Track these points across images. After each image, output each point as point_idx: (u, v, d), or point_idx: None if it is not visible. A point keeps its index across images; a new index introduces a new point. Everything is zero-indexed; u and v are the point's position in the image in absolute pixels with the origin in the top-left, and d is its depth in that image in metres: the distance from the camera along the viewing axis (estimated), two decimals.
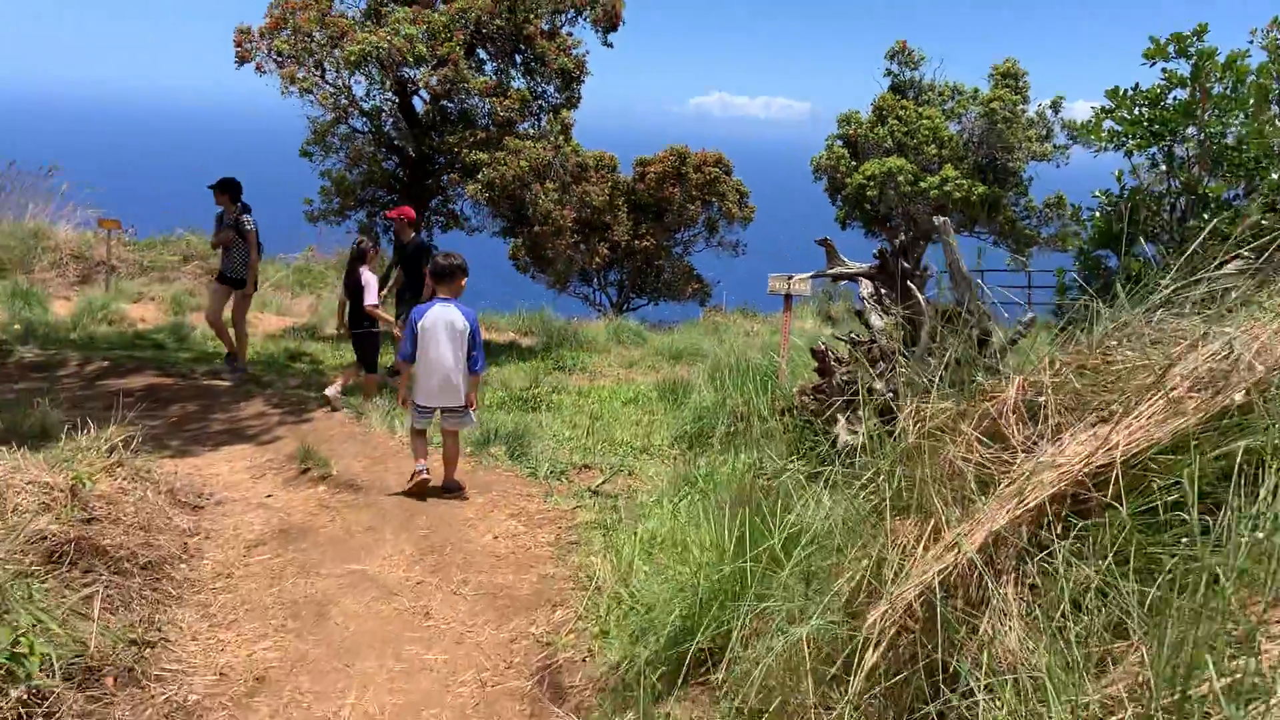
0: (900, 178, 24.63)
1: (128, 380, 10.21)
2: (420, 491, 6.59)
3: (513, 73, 14.18)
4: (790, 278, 8.08)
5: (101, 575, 4.70)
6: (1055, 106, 24.91)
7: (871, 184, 25.11)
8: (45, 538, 4.69)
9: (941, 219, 6.17)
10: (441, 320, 6.65)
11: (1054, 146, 24.79)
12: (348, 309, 10.24)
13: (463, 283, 6.81)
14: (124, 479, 5.91)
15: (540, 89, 14.44)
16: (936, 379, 3.43)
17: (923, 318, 5.88)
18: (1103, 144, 7.58)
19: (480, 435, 8.04)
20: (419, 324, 6.69)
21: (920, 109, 25.53)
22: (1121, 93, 7.59)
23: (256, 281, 11.11)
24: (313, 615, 4.74)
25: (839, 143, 26.43)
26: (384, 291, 10.84)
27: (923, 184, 24.65)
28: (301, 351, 13.08)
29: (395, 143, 14.82)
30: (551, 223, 13.76)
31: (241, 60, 13.92)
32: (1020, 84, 24.85)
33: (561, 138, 13.55)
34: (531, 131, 13.85)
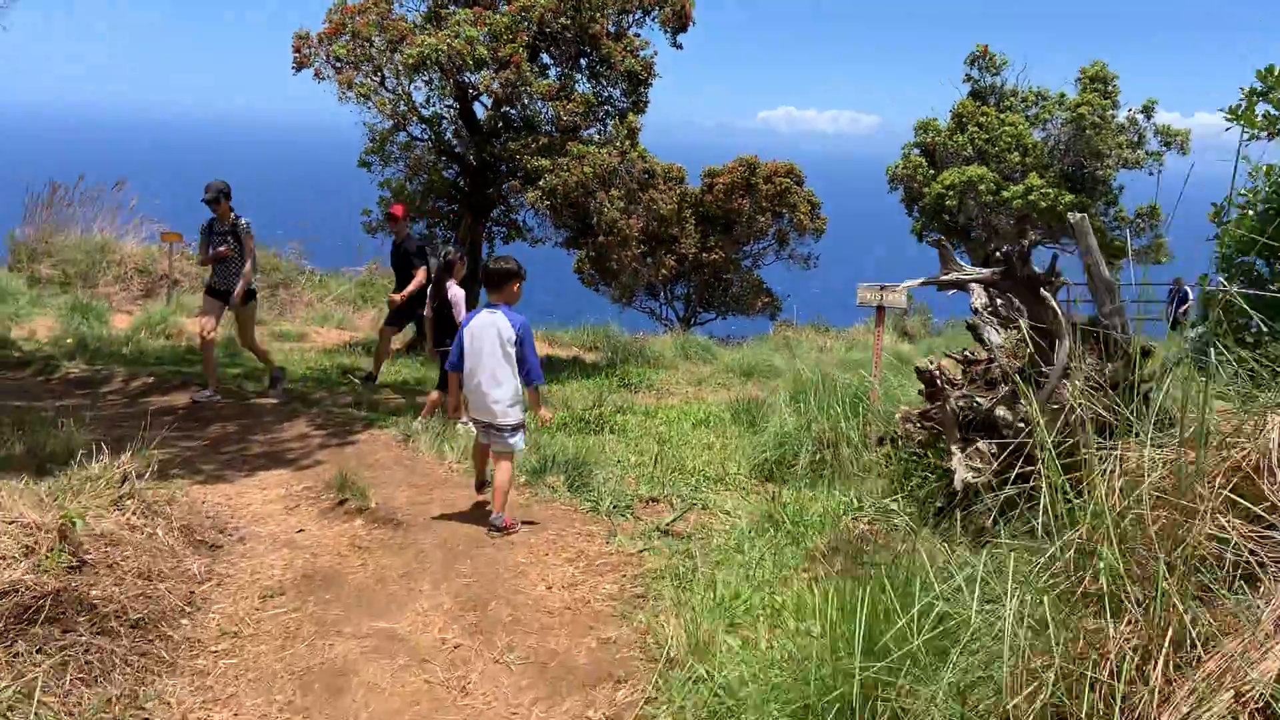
0: (981, 187, 23.38)
1: (170, 398, 9.60)
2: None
3: (577, 76, 13.40)
4: (882, 288, 7.12)
5: (82, 636, 3.94)
6: (1147, 111, 23.46)
7: (951, 194, 23.91)
8: (18, 590, 3.95)
9: (1078, 216, 5.16)
10: (488, 328, 5.89)
11: (1146, 153, 23.33)
12: (434, 326, 9.58)
13: (516, 288, 6.03)
14: (133, 513, 5.18)
15: (606, 93, 13.65)
16: (1149, 420, 2.45)
17: (1060, 331, 4.88)
18: (1256, 131, 6.48)
19: (537, 462, 7.20)
20: (466, 331, 5.95)
21: (1002, 115, 24.26)
22: (1277, 72, 6.50)
23: (254, 293, 9.84)
24: (326, 689, 3.91)
25: (916, 151, 25.27)
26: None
27: (1005, 193, 23.38)
28: (356, 368, 12.42)
29: (455, 150, 14.14)
30: (617, 232, 12.92)
31: (299, 66, 13.37)
32: (1109, 88, 23.45)
33: (628, 143, 12.74)
34: (596, 137, 13.05)
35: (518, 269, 6.05)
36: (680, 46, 14.10)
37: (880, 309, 7.26)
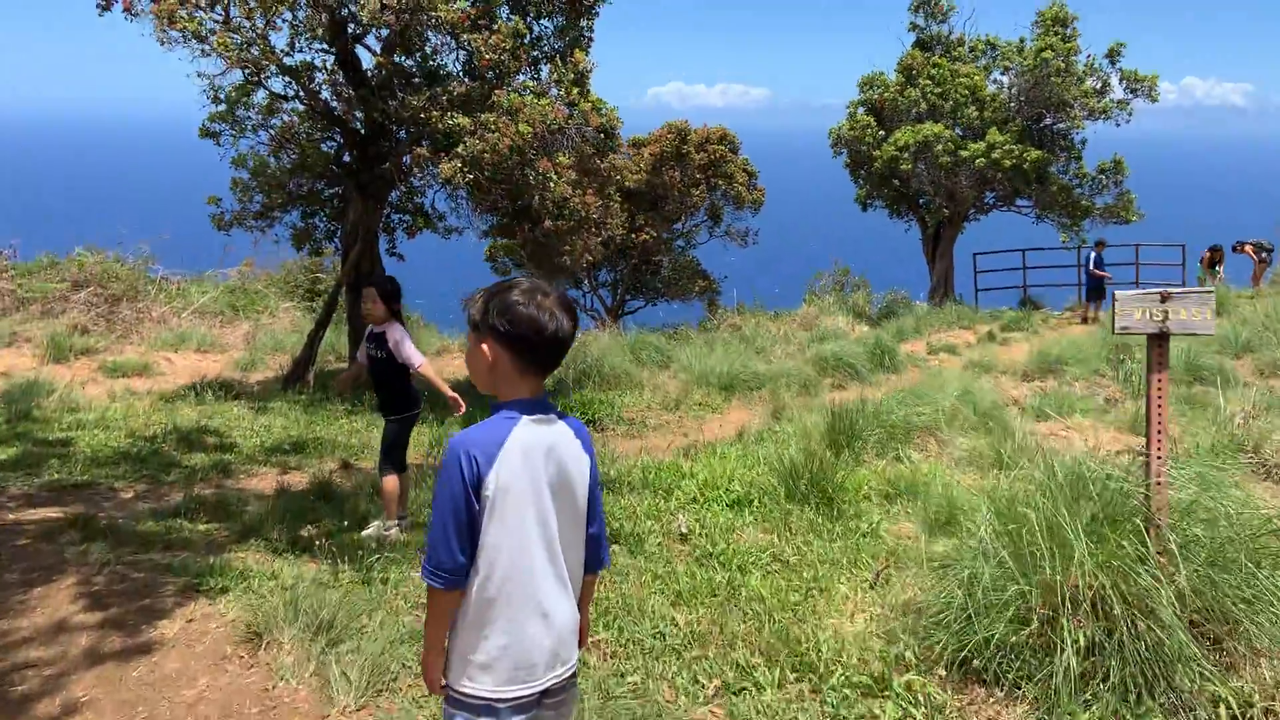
0: (938, 146, 20.17)
1: None
2: None
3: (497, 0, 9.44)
4: (1166, 296, 3.55)
5: None
6: (1113, 56, 20.56)
7: (904, 156, 20.64)
8: None
9: None
10: (550, 461, 2.20)
11: (1113, 101, 20.46)
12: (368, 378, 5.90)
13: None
14: None
15: (536, 28, 9.75)
16: None
17: None
18: None
19: None
20: (489, 479, 2.11)
21: (954, 67, 21.08)
22: None
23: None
24: None
25: (862, 110, 21.91)
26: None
27: (964, 152, 20.22)
28: (208, 428, 8.33)
29: (335, 112, 10.05)
30: (569, 215, 9.05)
31: (106, 4, 9.11)
32: (1070, 31, 20.44)
33: (576, 91, 8.91)
34: (531, 84, 9.16)
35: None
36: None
37: (1160, 337, 3.65)
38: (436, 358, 14.20)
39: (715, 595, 4.65)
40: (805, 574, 5.01)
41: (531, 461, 2.12)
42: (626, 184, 13.40)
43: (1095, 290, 18.42)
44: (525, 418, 2.13)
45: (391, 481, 5.73)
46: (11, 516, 5.65)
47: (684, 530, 5.71)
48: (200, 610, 4.15)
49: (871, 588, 4.85)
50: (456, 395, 5.72)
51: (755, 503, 6.17)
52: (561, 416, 2.23)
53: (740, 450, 8.09)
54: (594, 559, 2.35)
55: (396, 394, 5.77)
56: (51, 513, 5.83)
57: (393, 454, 5.76)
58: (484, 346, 2.16)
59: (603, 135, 9.15)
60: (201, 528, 5.70)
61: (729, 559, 5.20)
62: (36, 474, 6.52)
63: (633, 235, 21.71)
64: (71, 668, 3.73)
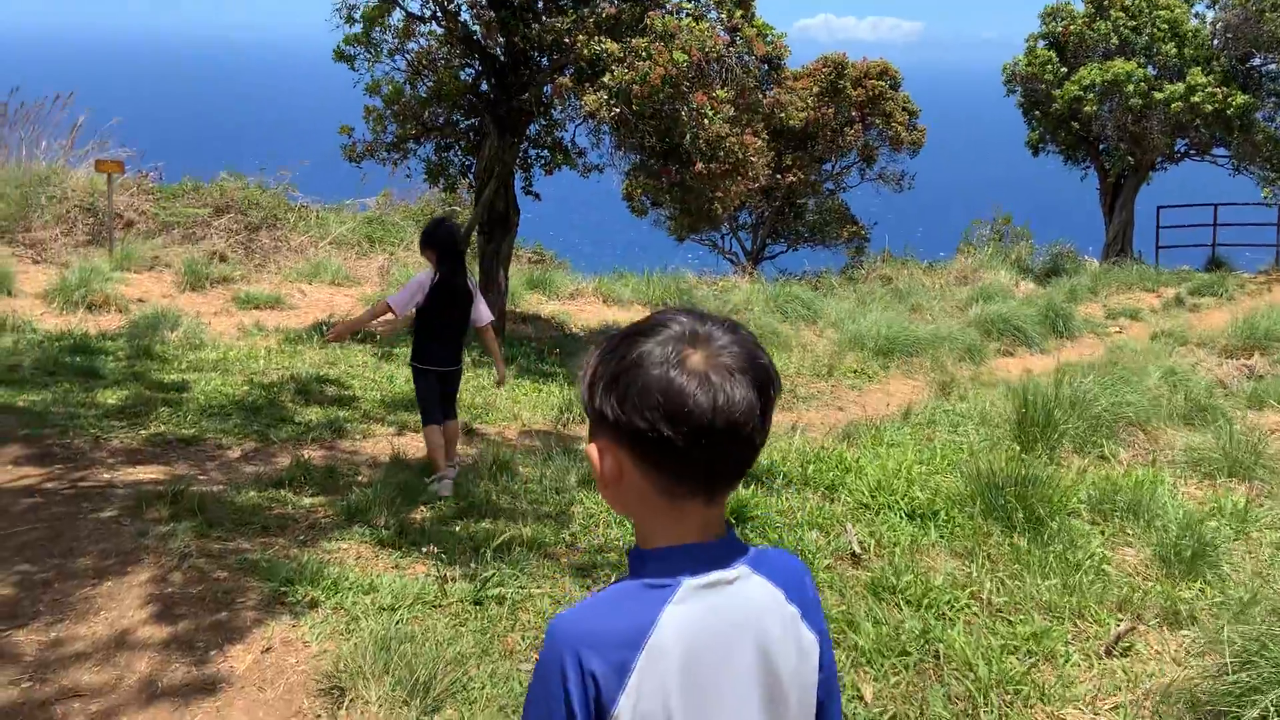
0: (1130, 87, 17.95)
1: None
2: None
3: None
4: None
5: None
6: None
7: (1089, 96, 18.50)
8: None
9: None
10: (737, 672, 1.17)
11: None
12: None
13: None
14: None
15: None
16: None
17: None
18: None
19: None
20: (619, 712, 1.11)
21: None
22: None
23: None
24: None
25: (1043, 44, 19.75)
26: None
27: (1158, 95, 17.95)
28: (327, 377, 7.74)
29: (475, 37, 9.18)
30: (725, 156, 7.94)
31: None
32: None
33: (739, 14, 7.75)
34: (689, 5, 8.03)
35: None
36: None
37: None
38: (570, 301, 13.43)
39: (907, 654, 3.65)
40: (1019, 626, 3.94)
41: (702, 674, 1.13)
42: (791, 121, 12.12)
43: None
44: (687, 583, 1.15)
45: (429, 432, 5.44)
46: (106, 476, 5.10)
47: (856, 548, 4.70)
48: (280, 634, 3.41)
49: (1109, 654, 3.76)
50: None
51: (941, 514, 5.09)
52: (756, 561, 1.21)
53: (910, 435, 6.99)
54: None
55: (414, 344, 5.52)
56: (150, 473, 5.26)
57: (421, 408, 5.53)
58: (598, 451, 1.19)
59: (767, 66, 7.98)
60: (306, 501, 5.02)
61: (917, 595, 4.16)
62: (144, 424, 6.00)
63: (778, 176, 20.34)
64: (122, 703, 3.04)
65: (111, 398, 6.46)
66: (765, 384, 1.17)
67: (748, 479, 5.55)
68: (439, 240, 5.36)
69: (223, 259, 12.93)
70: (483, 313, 5.49)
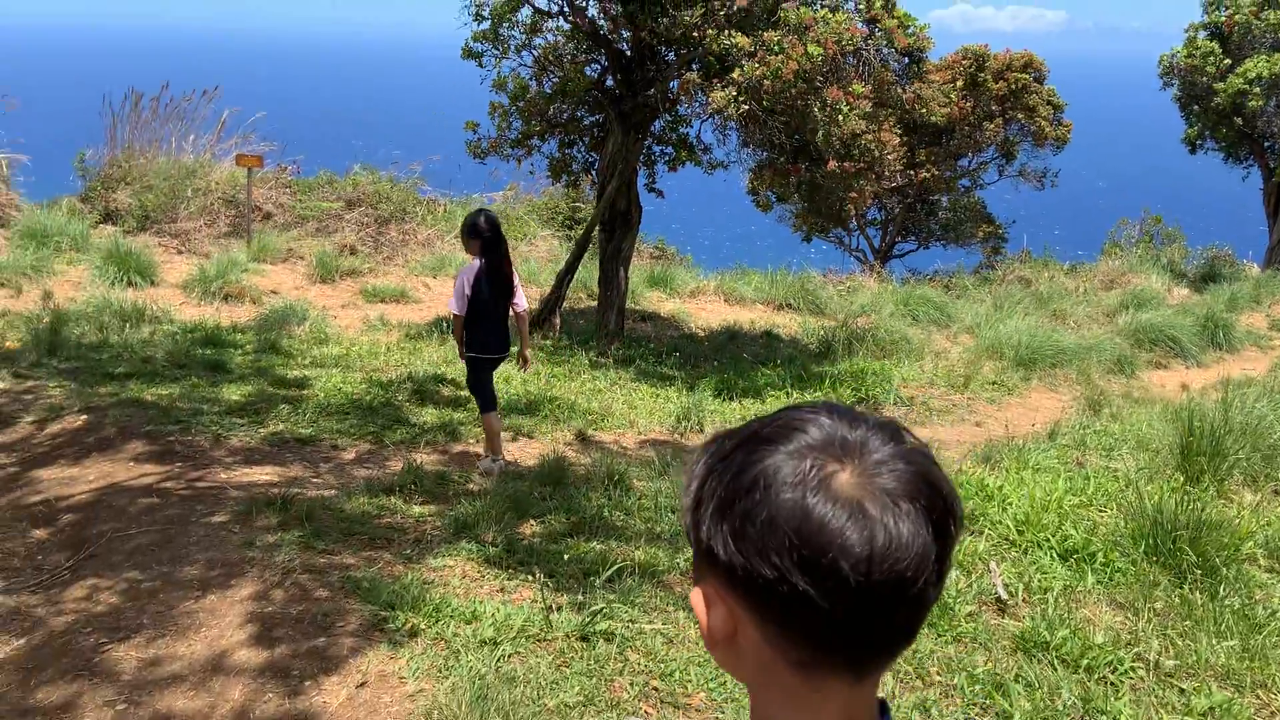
0: None
1: (80, 470, 5.04)
2: None
3: None
4: None
5: None
6: None
7: (1255, 90, 17.04)
8: None
9: None
10: None
11: None
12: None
13: None
14: None
15: None
16: None
17: None
18: None
19: None
20: None
21: None
22: None
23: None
24: None
25: (1204, 35, 18.31)
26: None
27: None
28: (444, 376, 7.64)
29: (601, 31, 8.94)
30: (859, 154, 7.44)
31: None
32: None
33: (879, 5, 7.25)
34: None
35: None
36: None
37: None
38: (690, 299, 13.09)
39: None
40: (1194, 698, 3.43)
41: None
42: (932, 118, 11.48)
43: None
44: None
45: (490, 419, 5.75)
46: (223, 476, 5.06)
47: (1002, 593, 4.22)
48: (377, 666, 3.21)
49: None
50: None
51: (1099, 556, 4.55)
52: None
53: (1058, 458, 6.40)
54: None
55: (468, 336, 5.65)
56: (264, 473, 5.21)
57: (481, 397, 5.74)
58: (704, 599, 0.87)
59: (907, 59, 7.45)
60: (415, 510, 4.86)
61: (1074, 654, 3.68)
62: (263, 422, 5.98)
63: (911, 172, 19.51)
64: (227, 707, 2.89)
65: (235, 393, 6.48)
66: (944, 519, 0.82)
67: None
68: (481, 231, 5.53)
69: (352, 252, 13.12)
70: (521, 299, 5.70)
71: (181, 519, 4.40)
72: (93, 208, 14.50)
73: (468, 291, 5.47)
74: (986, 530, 4.91)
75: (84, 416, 5.74)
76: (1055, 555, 4.63)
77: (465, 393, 7.26)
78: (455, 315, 5.56)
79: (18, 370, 6.48)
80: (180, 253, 12.82)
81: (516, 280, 5.68)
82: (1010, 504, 5.18)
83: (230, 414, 6.06)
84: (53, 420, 5.68)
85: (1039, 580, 4.37)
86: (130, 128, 15.73)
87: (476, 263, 5.50)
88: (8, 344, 7.47)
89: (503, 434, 6.47)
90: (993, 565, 4.47)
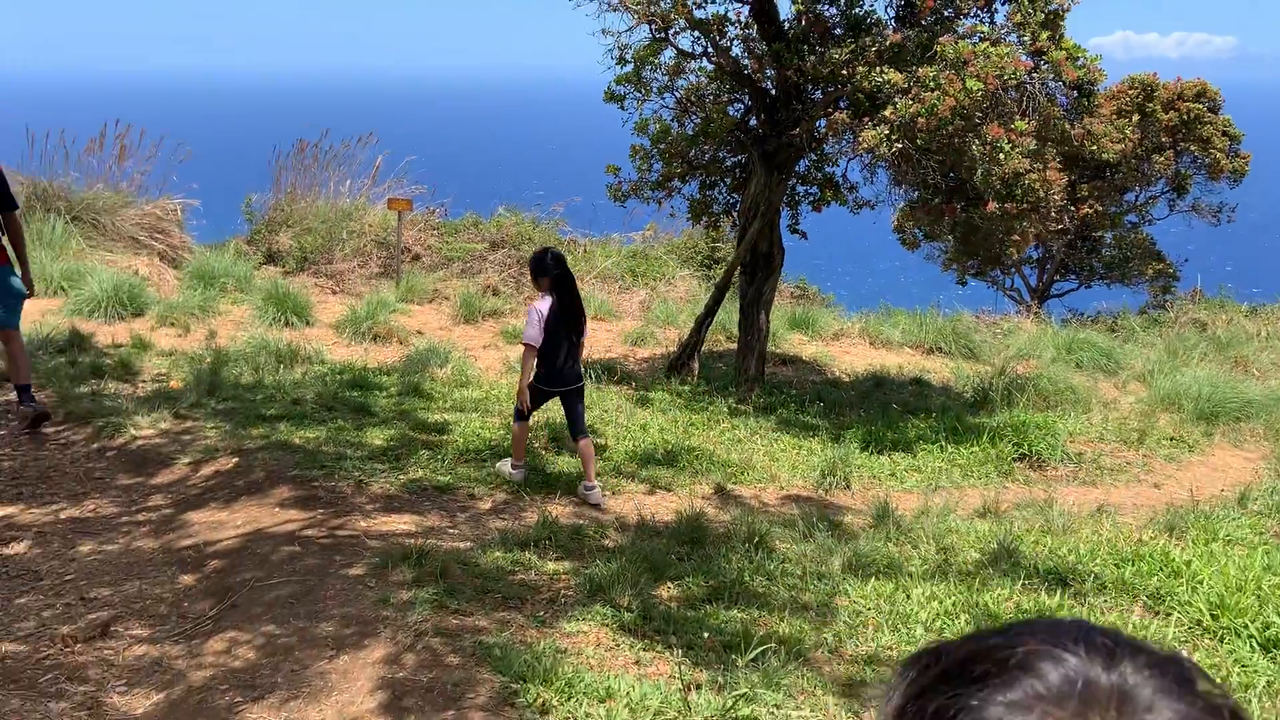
0: None
1: (229, 514, 5.15)
2: None
3: None
4: None
5: None
6: None
7: None
8: None
9: None
10: None
11: None
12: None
13: None
14: None
15: None
16: None
17: None
18: None
19: None
20: None
21: None
22: None
23: None
24: None
25: None
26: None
27: None
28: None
29: (745, 70, 8.78)
30: (1022, 195, 6.98)
31: None
32: None
33: (1045, 36, 6.82)
34: (984, 29, 7.20)
35: None
36: None
37: None
38: (833, 342, 12.68)
39: None
40: None
41: None
42: (1104, 155, 10.80)
43: None
44: None
45: (520, 428, 6.00)
46: (363, 525, 5.06)
47: None
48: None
49: None
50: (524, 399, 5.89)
51: None
52: None
53: (1251, 528, 5.76)
54: None
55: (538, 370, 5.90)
56: (403, 522, 5.19)
57: (518, 408, 5.97)
58: None
59: (1076, 93, 6.96)
60: (550, 567, 4.72)
61: None
62: (403, 468, 5.99)
63: (1072, 207, 18.52)
64: None
65: (378, 438, 6.55)
66: None
67: (1048, 579, 4.68)
68: (550, 269, 5.77)
69: (495, 293, 13.34)
70: (585, 331, 6.10)
71: (320, 570, 4.39)
72: (257, 249, 15.27)
73: (543, 325, 5.72)
74: (1175, 613, 4.39)
75: (235, 459, 5.88)
76: (1256, 645, 4.09)
77: (603, 438, 7.14)
78: (528, 346, 5.75)
79: (179, 410, 6.73)
80: (335, 293, 13.31)
81: (584, 314, 6.03)
82: (1200, 582, 4.64)
83: (372, 459, 6.11)
84: (206, 462, 5.85)
85: (1238, 676, 3.86)
86: (294, 173, 16.58)
87: (548, 299, 5.73)
88: (172, 383, 7.82)
89: (640, 486, 6.31)
90: (1183, 653, 3.98)
